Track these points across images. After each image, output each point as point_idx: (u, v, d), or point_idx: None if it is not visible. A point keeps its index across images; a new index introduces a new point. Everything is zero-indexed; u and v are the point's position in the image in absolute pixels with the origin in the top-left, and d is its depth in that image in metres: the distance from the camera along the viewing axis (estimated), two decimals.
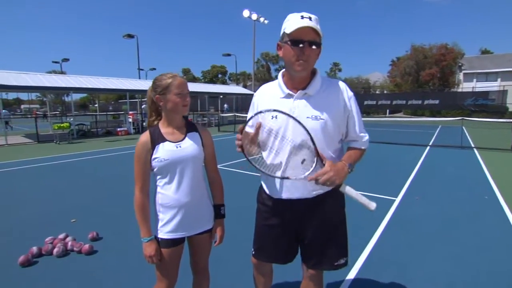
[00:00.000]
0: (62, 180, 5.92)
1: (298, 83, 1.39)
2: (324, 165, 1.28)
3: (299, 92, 1.37)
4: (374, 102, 30.00)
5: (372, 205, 1.25)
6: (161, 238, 1.53)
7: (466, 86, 32.99)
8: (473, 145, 10.02)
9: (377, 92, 40.59)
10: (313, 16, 1.27)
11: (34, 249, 2.83)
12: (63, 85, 14.82)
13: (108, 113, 24.31)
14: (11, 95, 62.21)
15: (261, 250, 1.63)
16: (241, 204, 3.35)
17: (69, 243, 2.96)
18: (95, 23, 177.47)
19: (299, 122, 1.26)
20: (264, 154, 1.47)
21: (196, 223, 1.58)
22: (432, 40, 40.56)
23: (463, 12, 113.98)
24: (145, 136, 1.51)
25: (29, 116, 25.67)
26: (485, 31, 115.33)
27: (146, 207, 1.54)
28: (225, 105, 26.53)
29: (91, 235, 3.18)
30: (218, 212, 1.65)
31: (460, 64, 35.40)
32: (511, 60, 33.59)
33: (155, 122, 1.58)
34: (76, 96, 59.22)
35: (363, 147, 1.47)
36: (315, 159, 1.30)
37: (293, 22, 1.26)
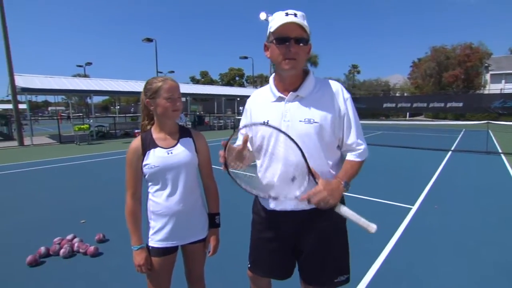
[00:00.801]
0: (77, 181, 6.09)
1: (289, 85, 1.30)
2: (317, 182, 1.17)
3: (290, 94, 1.28)
4: (394, 105, 29.10)
5: (372, 227, 1.13)
6: (152, 247, 1.49)
7: (494, 88, 31.30)
8: (500, 151, 9.43)
9: (397, 94, 39.39)
10: (298, 13, 1.20)
11: (42, 249, 2.88)
12: (84, 88, 15.42)
13: (127, 115, 25.01)
14: (40, 98, 65.56)
15: (256, 264, 1.54)
16: (243, 209, 3.27)
17: (76, 244, 2.99)
18: (116, 27, 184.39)
19: (290, 137, 1.16)
20: (252, 169, 1.38)
21: (189, 231, 1.51)
22: (455, 41, 38.79)
23: (492, 10, 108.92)
24: (136, 142, 1.48)
25: (55, 117, 26.90)
26: None
27: (137, 214, 1.50)
28: (241, 108, 26.63)
29: (98, 237, 3.21)
30: (213, 221, 1.58)
31: (486, 64, 33.70)
32: None
33: (148, 127, 1.54)
34: (99, 99, 61.67)
35: (360, 159, 1.32)
36: (307, 176, 1.19)
37: (277, 20, 1.19)
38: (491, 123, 9.96)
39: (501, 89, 28.69)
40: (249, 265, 1.58)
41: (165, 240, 1.48)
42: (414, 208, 4.29)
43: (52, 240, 3.08)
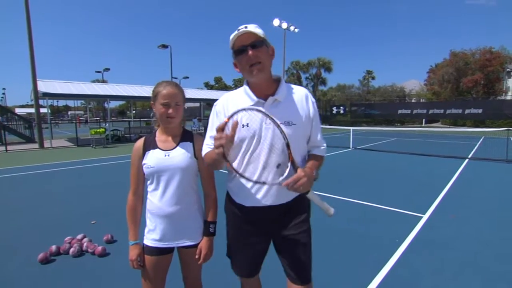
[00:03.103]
0: (91, 182, 6.29)
1: (266, 89, 1.38)
2: (295, 170, 1.25)
3: (270, 98, 1.36)
4: (409, 111, 28.36)
5: (332, 211, 1.31)
6: (146, 245, 1.54)
7: None
8: None
9: (412, 100, 38.50)
10: (249, 25, 1.31)
11: (53, 247, 2.99)
12: (101, 93, 15.95)
13: (142, 119, 25.62)
14: (61, 102, 68.28)
15: (235, 259, 1.57)
16: None
17: (85, 244, 3.09)
18: (134, 33, 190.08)
19: (278, 126, 1.21)
20: (238, 156, 1.38)
21: (182, 235, 1.53)
22: (474, 45, 37.57)
23: None
24: (140, 142, 1.56)
25: (73, 121, 27.99)
26: None
27: (137, 210, 1.57)
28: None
29: (106, 238, 3.29)
30: (207, 229, 1.56)
31: (508, 69, 32.44)
32: None
33: (155, 128, 1.62)
34: (115, 103, 63.50)
35: (323, 155, 1.50)
36: (289, 164, 1.27)
37: (232, 36, 1.31)
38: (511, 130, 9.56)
39: None
40: (230, 258, 1.60)
41: (158, 240, 1.52)
42: (425, 217, 4.16)
43: (63, 239, 3.19)
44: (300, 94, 1.43)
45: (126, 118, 44.20)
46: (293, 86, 1.47)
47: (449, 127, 25.70)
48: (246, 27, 1.30)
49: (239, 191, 1.44)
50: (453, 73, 33.06)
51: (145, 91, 18.13)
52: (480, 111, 24.54)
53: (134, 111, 50.44)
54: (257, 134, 1.33)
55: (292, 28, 30.69)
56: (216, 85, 60.77)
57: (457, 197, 5.18)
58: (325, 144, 1.51)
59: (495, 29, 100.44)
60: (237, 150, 1.37)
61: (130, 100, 23.50)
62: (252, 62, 1.29)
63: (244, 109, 1.25)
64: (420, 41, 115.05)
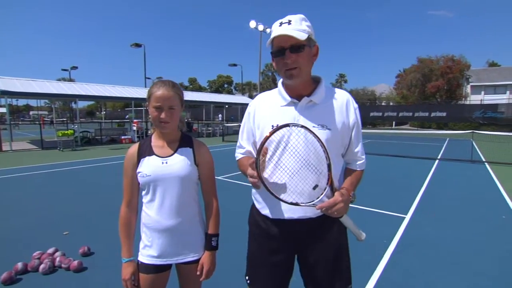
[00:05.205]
0: (60, 189, 5.79)
1: (302, 90, 1.26)
2: (333, 192, 1.15)
3: (304, 99, 1.24)
4: (380, 114, 29.68)
5: (363, 236, 1.21)
6: (141, 262, 1.38)
7: (474, 99, 32.57)
8: (484, 159, 9.69)
9: (383, 103, 40.33)
10: (293, 18, 1.18)
11: (19, 265, 2.65)
12: (69, 92, 14.96)
13: (113, 120, 24.43)
14: (21, 102, 63.46)
15: (256, 280, 1.43)
16: (244, 221, 3.15)
17: (57, 259, 2.78)
18: (104, 31, 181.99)
19: (322, 145, 1.12)
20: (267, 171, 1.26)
21: (182, 250, 1.39)
22: (438, 53, 40.43)
23: (469, 25, 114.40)
24: (133, 148, 1.40)
25: (37, 122, 25.96)
26: (491, 44, 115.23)
27: (131, 224, 1.40)
28: (219, 115, 26.18)
29: (82, 250, 3.00)
30: (209, 243, 1.42)
31: (467, 76, 35.07)
32: None
33: (150, 131, 1.47)
34: (84, 103, 60.24)
35: (362, 169, 1.36)
36: (327, 187, 1.16)
37: (272, 32, 1.18)
38: (476, 132, 10.25)
39: (481, 100, 29.84)
40: (248, 281, 1.46)
41: (155, 257, 1.36)
42: (408, 217, 4.28)
43: (31, 255, 2.85)
44: (341, 99, 1.29)
45: (96, 119, 41.99)
46: (334, 88, 1.34)
47: (417, 129, 27.20)
48: (289, 22, 1.16)
49: (264, 201, 1.32)
50: (420, 79, 35.14)
51: (117, 91, 17.29)
52: (444, 114, 26.32)
53: (104, 112, 48.14)
54: (289, 147, 1.21)
55: (268, 30, 30.88)
56: (191, 86, 59.72)
57: (434, 197, 5.41)
58: (364, 156, 1.36)
59: (455, 39, 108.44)
60: (268, 163, 1.25)
61: (101, 100, 22.29)
62: (288, 67, 1.18)
63: (288, 125, 1.14)
64: (390, 47, 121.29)
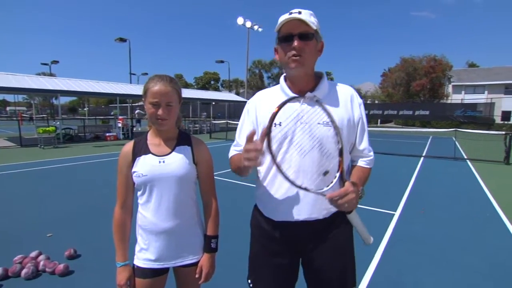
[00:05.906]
0: (42, 188, 5.53)
1: (305, 85, 1.22)
2: (343, 182, 1.09)
3: (307, 94, 1.18)
4: (366, 112, 30.05)
5: (371, 239, 1.17)
6: (137, 266, 1.31)
7: (455, 98, 33.75)
8: (465, 157, 10.03)
9: (368, 101, 41.09)
10: (304, 11, 1.15)
11: None
12: (50, 87, 14.37)
13: (97, 117, 23.70)
14: None
15: (259, 281, 1.38)
16: (241, 220, 3.09)
17: (41, 263, 2.63)
18: (87, 25, 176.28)
19: (336, 126, 1.08)
20: (279, 154, 1.19)
21: (180, 253, 1.32)
22: (421, 52, 41.59)
23: (450, 26, 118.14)
24: (128, 147, 1.31)
25: (14, 118, 24.78)
26: (470, 45, 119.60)
27: (126, 226, 1.33)
28: (204, 113, 25.42)
29: (68, 253, 2.86)
30: (208, 245, 1.37)
31: (449, 76, 36.22)
32: (497, 73, 34.62)
33: (147, 128, 1.39)
34: (66, 99, 58.17)
35: (370, 166, 1.32)
36: (338, 174, 1.10)
37: (281, 19, 1.15)
38: (458, 130, 10.58)
39: (461, 99, 30.93)
40: (250, 285, 1.41)
41: (151, 261, 1.29)
42: (397, 214, 4.35)
43: (12, 259, 2.69)
44: (345, 94, 1.26)
45: (78, 115, 40.66)
46: (337, 84, 1.30)
47: (402, 127, 27.89)
48: (299, 13, 1.12)
49: (267, 201, 1.26)
50: (404, 78, 36.02)
51: (102, 87, 16.75)
52: (427, 112, 27.11)
53: (87, 108, 46.69)
54: (309, 127, 1.15)
55: (256, 27, 30.79)
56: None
57: (421, 193, 5.54)
58: (372, 153, 1.32)
59: (437, 39, 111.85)
60: (280, 145, 1.18)
61: (84, 96, 21.55)
62: (295, 54, 1.13)
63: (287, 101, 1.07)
64: (375, 46, 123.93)
